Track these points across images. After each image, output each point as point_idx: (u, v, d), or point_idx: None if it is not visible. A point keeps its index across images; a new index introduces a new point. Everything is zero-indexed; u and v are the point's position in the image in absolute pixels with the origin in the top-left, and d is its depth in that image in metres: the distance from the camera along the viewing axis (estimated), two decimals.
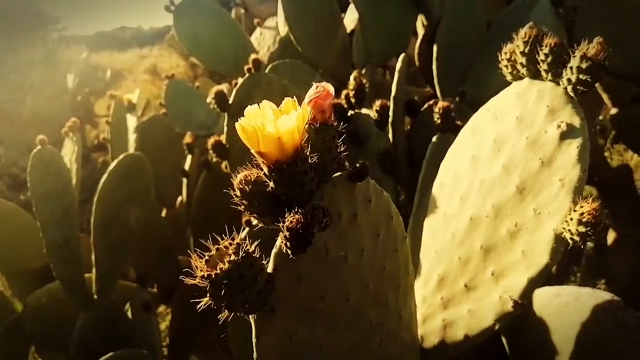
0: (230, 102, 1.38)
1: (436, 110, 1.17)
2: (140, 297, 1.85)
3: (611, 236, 2.60)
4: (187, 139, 2.78)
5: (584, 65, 0.72)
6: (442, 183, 0.98)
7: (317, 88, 0.54)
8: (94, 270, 1.80)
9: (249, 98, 1.38)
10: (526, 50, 0.80)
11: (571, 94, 0.76)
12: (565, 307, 1.08)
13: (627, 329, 1.00)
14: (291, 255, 0.49)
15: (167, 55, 9.22)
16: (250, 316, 0.52)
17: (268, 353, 0.52)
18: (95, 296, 1.83)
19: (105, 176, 1.80)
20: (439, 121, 1.18)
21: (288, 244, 0.47)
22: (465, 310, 0.87)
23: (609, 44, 0.74)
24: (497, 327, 0.83)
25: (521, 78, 0.86)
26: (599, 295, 1.06)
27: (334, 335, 0.60)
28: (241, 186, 0.51)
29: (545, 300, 1.11)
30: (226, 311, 0.48)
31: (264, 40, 2.95)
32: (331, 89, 0.54)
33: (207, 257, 0.47)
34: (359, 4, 2.00)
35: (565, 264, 2.56)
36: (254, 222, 0.57)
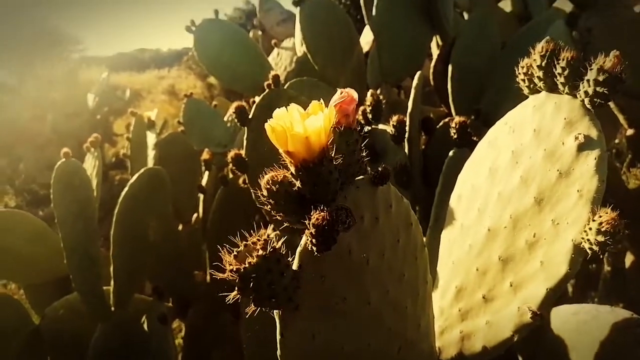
0: (250, 116, 1.41)
1: (453, 125, 1.19)
2: (157, 309, 1.86)
3: (629, 259, 2.56)
4: (205, 155, 2.83)
5: (601, 78, 0.73)
6: (460, 195, 0.99)
7: (341, 94, 0.56)
8: (111, 282, 1.83)
9: (269, 113, 1.41)
10: (543, 64, 0.82)
11: (588, 106, 0.77)
12: (584, 325, 1.07)
13: None
14: (316, 253, 0.50)
15: (185, 76, 9.41)
16: (275, 313, 0.53)
17: (292, 350, 0.53)
18: (113, 308, 1.85)
19: (126, 189, 1.83)
20: (455, 136, 1.19)
21: (314, 240, 0.49)
22: (483, 322, 0.87)
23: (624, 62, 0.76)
24: (515, 339, 0.83)
25: (538, 92, 0.87)
26: (618, 313, 1.05)
27: (355, 338, 0.61)
28: (268, 186, 0.53)
29: (563, 318, 1.10)
30: (253, 305, 0.49)
31: (281, 60, 3.02)
32: (355, 94, 0.56)
33: (235, 253, 0.49)
34: (374, 25, 2.04)
35: (583, 288, 2.52)
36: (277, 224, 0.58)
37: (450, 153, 1.21)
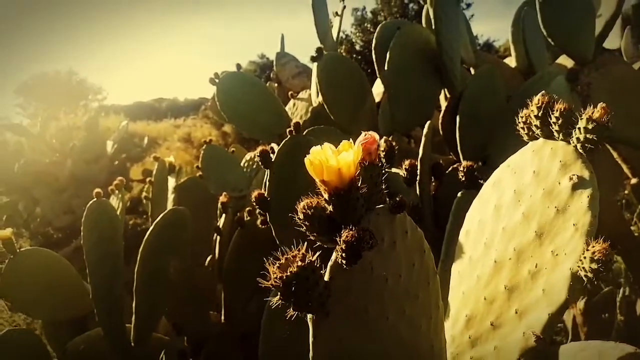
0: (273, 159, 1.53)
1: (461, 169, 1.30)
2: (176, 345, 1.92)
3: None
4: (223, 198, 2.94)
5: (590, 126, 0.84)
6: (468, 231, 1.08)
7: (365, 135, 0.68)
8: (133, 318, 1.90)
9: (290, 157, 1.53)
10: (539, 114, 0.94)
11: (580, 151, 0.88)
12: None
13: None
14: (345, 266, 0.60)
15: (200, 125, 9.72)
16: (308, 318, 0.62)
17: (322, 352, 0.62)
18: (133, 344, 1.91)
19: (152, 227, 1.94)
20: (463, 179, 1.30)
21: (344, 254, 0.58)
22: (492, 348, 0.94)
23: (615, 112, 0.87)
24: None
25: (536, 138, 0.98)
26: (622, 347, 1.10)
27: (376, 347, 0.69)
28: (304, 210, 0.63)
29: (571, 355, 1.16)
30: (292, 310, 0.58)
31: (297, 110, 3.19)
32: (377, 136, 0.67)
33: (278, 265, 0.58)
34: (386, 79, 2.20)
35: (595, 337, 2.53)
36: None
37: (459, 194, 1.32)
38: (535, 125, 0.95)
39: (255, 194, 1.51)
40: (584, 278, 0.81)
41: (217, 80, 2.77)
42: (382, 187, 0.69)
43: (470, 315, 1.00)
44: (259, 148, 1.51)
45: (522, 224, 0.94)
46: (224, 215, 3.01)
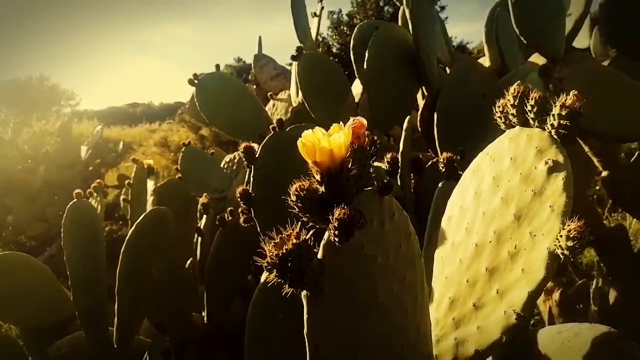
0: (257, 156, 1.55)
1: (441, 160, 1.34)
2: (159, 346, 1.91)
3: (612, 295, 2.68)
4: (204, 199, 2.94)
5: (563, 112, 0.89)
6: (450, 217, 1.12)
7: (353, 121, 0.70)
8: (115, 320, 1.88)
9: (274, 153, 1.55)
10: (515, 103, 0.98)
11: (555, 136, 0.93)
12: (567, 343, 1.18)
13: (624, 358, 1.09)
14: (337, 244, 0.62)
15: (176, 129, 9.64)
16: (303, 296, 0.64)
17: (316, 329, 0.64)
18: (115, 346, 1.89)
19: (134, 227, 1.93)
20: (443, 169, 1.34)
21: (336, 232, 0.61)
22: (474, 328, 0.98)
23: (587, 106, 0.92)
24: (504, 340, 0.93)
25: (512, 126, 1.03)
26: (598, 328, 1.15)
27: (367, 324, 0.72)
28: (297, 192, 0.65)
29: (548, 338, 1.20)
30: (288, 287, 0.61)
31: (277, 110, 3.21)
32: (364, 121, 0.70)
33: (273, 243, 0.61)
34: (365, 78, 2.24)
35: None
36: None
37: (440, 185, 1.36)
38: (511, 113, 0.99)
39: (239, 189, 1.53)
40: (561, 256, 0.85)
41: (196, 81, 2.77)
42: (371, 170, 0.72)
43: (454, 298, 1.03)
44: (243, 145, 1.53)
45: (501, 208, 0.98)
46: (204, 216, 3.00)
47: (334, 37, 12.80)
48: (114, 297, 1.88)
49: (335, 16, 12.53)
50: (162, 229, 2.10)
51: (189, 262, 3.01)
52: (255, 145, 1.77)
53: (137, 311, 1.96)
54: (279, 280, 0.60)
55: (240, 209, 2.01)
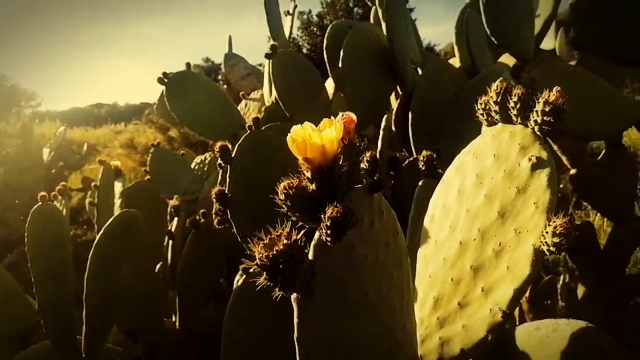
0: (233, 155, 1.51)
1: (421, 158, 1.33)
2: (130, 352, 1.84)
3: (580, 291, 2.74)
4: (175, 201, 2.87)
5: (547, 109, 0.89)
6: (432, 216, 1.11)
7: (342, 116, 0.68)
8: (83, 328, 1.80)
9: (250, 152, 1.52)
10: (498, 100, 0.98)
11: (538, 133, 0.93)
12: (546, 339, 1.19)
13: (604, 353, 1.11)
14: (330, 243, 0.60)
15: (143, 130, 9.42)
16: (293, 298, 0.61)
17: (307, 333, 0.61)
18: (84, 355, 1.82)
19: (102, 231, 1.85)
20: (423, 168, 1.33)
21: (329, 232, 0.58)
22: (460, 327, 0.97)
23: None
24: (490, 338, 0.93)
25: (495, 123, 1.02)
26: (575, 324, 1.16)
27: (357, 325, 0.70)
28: (286, 190, 0.62)
29: (526, 334, 1.21)
30: (278, 290, 0.58)
31: (249, 110, 3.16)
32: (354, 116, 0.68)
33: (262, 244, 0.58)
34: (339, 77, 2.22)
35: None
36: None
37: (420, 183, 1.35)
38: (494, 110, 0.99)
39: (215, 190, 1.48)
40: (546, 252, 0.85)
41: (166, 80, 2.70)
42: (360, 167, 0.70)
43: (438, 297, 1.02)
44: (218, 144, 1.49)
45: (485, 206, 0.98)
46: (175, 218, 2.93)
47: (304, 37, 12.76)
48: (81, 304, 1.80)
49: (305, 17, 12.54)
50: (132, 233, 2.02)
51: (158, 266, 2.93)
52: (229, 146, 1.74)
53: (106, 318, 1.89)
54: (269, 283, 0.57)
55: (214, 211, 1.96)
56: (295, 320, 0.61)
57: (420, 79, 2.27)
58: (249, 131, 1.53)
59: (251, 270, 0.56)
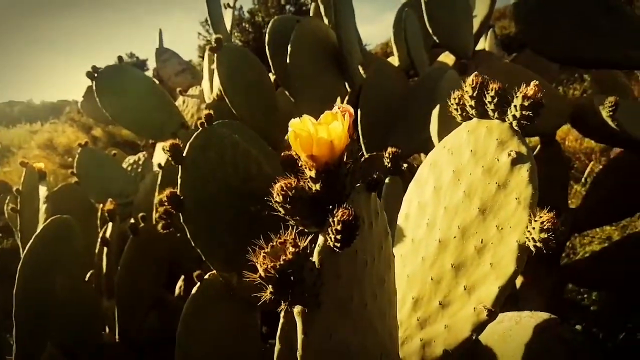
0: (184, 155, 1.40)
1: (386, 155, 1.30)
2: None
3: (518, 281, 2.86)
4: (109, 205, 2.66)
5: (526, 103, 0.88)
6: (407, 214, 1.08)
7: (339, 108, 0.62)
8: (13, 346, 1.62)
9: (203, 151, 1.42)
10: (474, 94, 0.96)
11: (516, 128, 0.92)
12: (509, 332, 1.20)
13: (567, 343, 1.13)
14: (339, 249, 0.54)
15: (62, 130, 8.79)
16: (296, 313, 0.55)
17: (312, 350, 0.55)
18: None
19: (32, 241, 1.67)
20: (389, 165, 1.30)
21: (339, 236, 0.52)
22: (442, 327, 0.94)
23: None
24: (474, 338, 0.91)
25: (469, 118, 1.01)
26: (538, 315, 1.19)
27: (357, 338, 0.64)
28: (284, 192, 0.55)
29: (490, 328, 1.21)
30: (284, 303, 0.51)
31: (188, 108, 3.01)
32: (351, 109, 0.62)
33: (264, 253, 0.50)
34: (289, 70, 2.14)
35: None
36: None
37: (387, 180, 1.32)
38: (470, 105, 0.97)
39: (166, 192, 1.37)
40: (533, 248, 0.84)
41: (96, 75, 2.49)
42: (362, 163, 0.64)
43: (418, 297, 0.99)
44: (169, 142, 1.37)
45: (464, 202, 0.96)
46: (110, 224, 2.73)
47: (235, 34, 12.44)
48: (10, 322, 1.62)
49: (236, 13, 12.13)
50: (65, 240, 1.85)
51: (88, 275, 2.72)
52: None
53: (39, 336, 1.70)
54: (276, 296, 0.50)
55: (157, 214, 1.83)
56: (300, 336, 0.55)
57: (369, 76, 2.25)
58: (201, 129, 1.42)
59: (256, 283, 0.49)
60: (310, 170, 0.56)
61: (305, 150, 0.54)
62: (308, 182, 0.57)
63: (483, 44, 3.74)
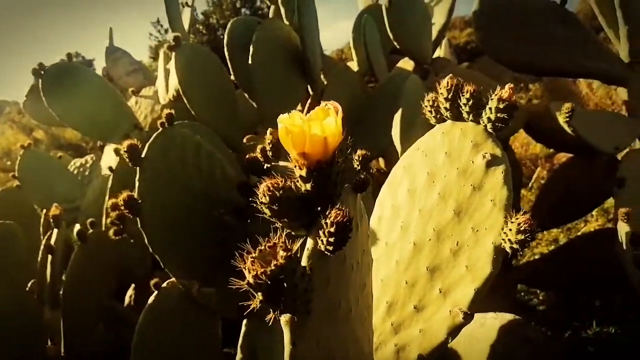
0: (143, 156, 1.33)
1: (356, 157, 1.28)
2: None
3: None
4: (54, 210, 2.51)
5: (501, 106, 0.88)
6: (380, 217, 1.06)
7: (326, 105, 0.59)
8: None
9: (163, 152, 1.35)
10: (449, 97, 0.96)
11: (490, 130, 0.92)
12: (474, 334, 1.20)
13: (531, 343, 1.15)
14: (330, 253, 0.50)
15: (1, 131, 8.28)
16: (283, 321, 0.51)
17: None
18: None
19: None
20: (358, 167, 1.28)
21: (332, 239, 0.49)
22: (416, 331, 0.93)
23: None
24: (449, 341, 0.90)
25: (443, 120, 1.01)
26: (502, 317, 1.19)
27: (342, 345, 0.61)
28: (271, 192, 0.52)
29: None
30: (274, 312, 0.47)
31: (141, 108, 2.89)
32: (339, 106, 0.60)
33: (253, 258, 0.47)
34: (252, 72, 2.09)
35: None
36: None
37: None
38: (444, 107, 0.97)
39: (123, 195, 1.29)
40: (509, 250, 0.84)
41: (42, 73, 2.35)
42: (351, 162, 0.61)
43: (392, 302, 0.97)
44: (126, 142, 1.29)
45: (439, 204, 0.95)
46: (55, 230, 2.58)
47: (189, 36, 12.14)
48: None
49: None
50: (7, 248, 1.72)
51: (29, 284, 2.56)
52: (119, 147, 1.53)
53: None
54: (267, 305, 0.46)
55: (109, 220, 1.74)
56: (288, 347, 0.51)
57: (332, 80, 2.24)
58: (161, 129, 1.36)
59: (241, 290, 0.45)
60: (300, 169, 0.53)
61: (297, 148, 0.51)
62: (297, 181, 0.53)
63: (439, 52, 3.82)
